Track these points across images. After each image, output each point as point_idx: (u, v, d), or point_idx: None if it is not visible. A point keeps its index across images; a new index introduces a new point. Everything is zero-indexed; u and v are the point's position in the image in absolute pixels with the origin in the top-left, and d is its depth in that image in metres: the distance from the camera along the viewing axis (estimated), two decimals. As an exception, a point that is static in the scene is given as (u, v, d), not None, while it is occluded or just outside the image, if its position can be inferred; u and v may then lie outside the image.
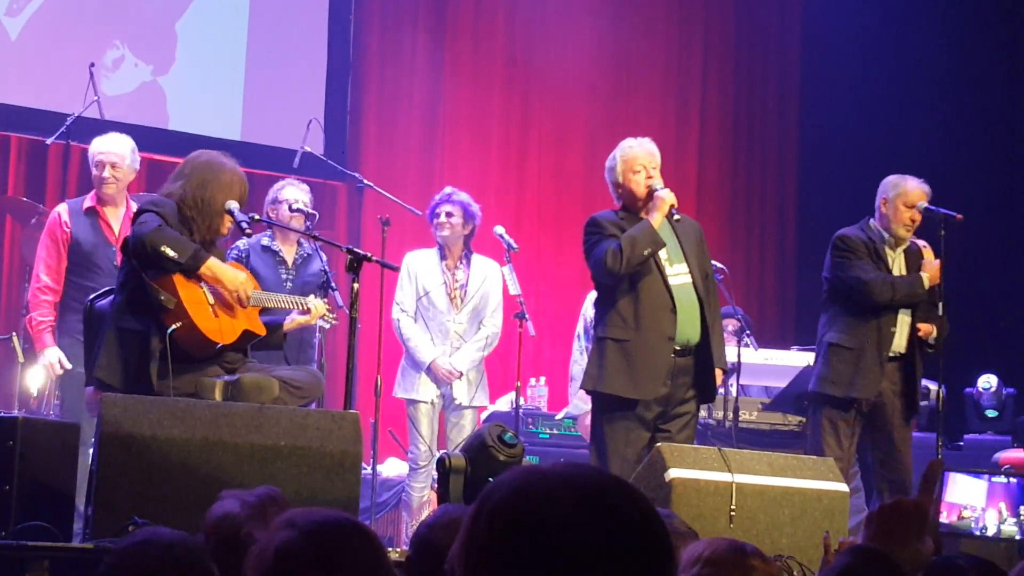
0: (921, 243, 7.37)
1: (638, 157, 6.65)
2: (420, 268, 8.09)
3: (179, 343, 5.66)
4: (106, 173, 7.37)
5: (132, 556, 2.60)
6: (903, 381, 7.21)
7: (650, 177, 6.62)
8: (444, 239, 8.04)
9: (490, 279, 8.11)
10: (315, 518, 2.21)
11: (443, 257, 8.09)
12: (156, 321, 5.64)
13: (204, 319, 5.72)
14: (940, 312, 7.32)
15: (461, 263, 8.11)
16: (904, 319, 7.23)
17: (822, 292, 7.46)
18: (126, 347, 5.71)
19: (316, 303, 6.30)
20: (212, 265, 5.76)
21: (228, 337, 5.80)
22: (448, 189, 8.18)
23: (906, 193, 7.29)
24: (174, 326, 5.61)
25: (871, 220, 7.37)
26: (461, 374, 7.99)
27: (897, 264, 7.33)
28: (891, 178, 7.40)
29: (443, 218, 8.02)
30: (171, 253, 5.62)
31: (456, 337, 8.06)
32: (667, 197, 6.54)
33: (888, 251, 7.31)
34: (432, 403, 8.03)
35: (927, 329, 7.25)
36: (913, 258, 7.36)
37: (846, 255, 7.25)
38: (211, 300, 5.79)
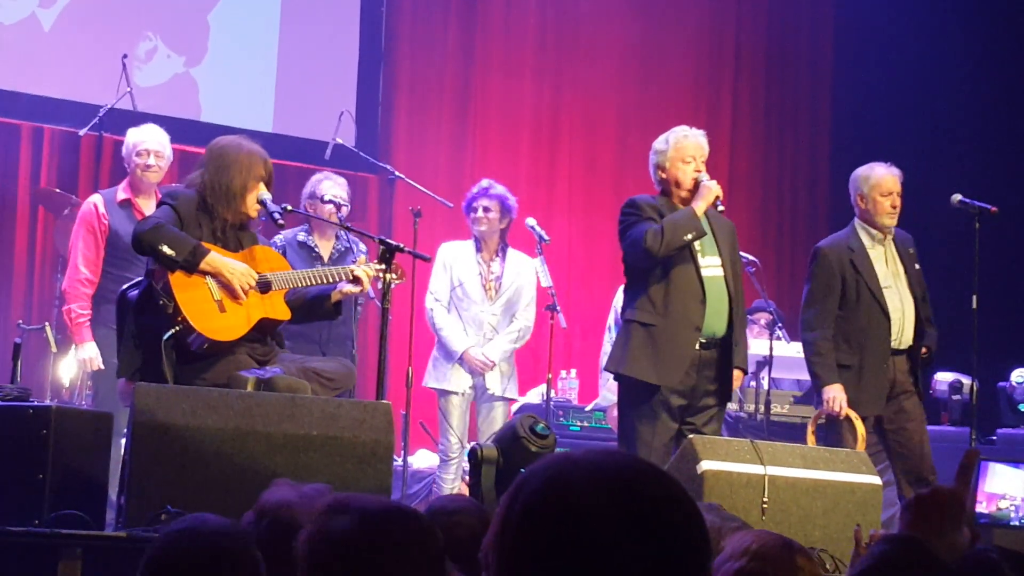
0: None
1: (691, 147, 6.61)
2: (455, 259, 8.10)
3: (189, 345, 5.65)
4: (151, 161, 7.43)
5: (178, 543, 2.60)
6: (911, 372, 7.18)
7: (698, 170, 6.59)
8: (481, 233, 8.05)
9: (524, 273, 8.12)
10: (369, 504, 2.17)
11: (479, 249, 8.10)
12: (164, 320, 5.65)
13: (205, 319, 5.65)
14: (974, 305, 7.29)
15: (497, 256, 8.12)
16: (908, 315, 7.17)
17: None
18: (144, 344, 5.72)
19: (363, 270, 6.04)
20: (211, 260, 5.68)
21: (237, 331, 5.74)
22: (485, 182, 8.17)
23: (879, 184, 7.19)
24: (171, 331, 5.59)
25: (855, 221, 7.29)
26: (494, 364, 8.00)
27: (891, 258, 7.24)
28: (859, 172, 7.30)
29: (480, 213, 8.03)
30: (168, 251, 5.59)
31: (490, 328, 8.07)
32: (714, 188, 6.50)
33: (876, 247, 7.23)
34: (464, 394, 8.04)
35: (924, 351, 7.26)
36: (904, 248, 7.29)
37: (813, 278, 7.23)
38: (217, 296, 5.71)
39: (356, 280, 6.03)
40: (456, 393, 8.03)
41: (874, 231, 7.21)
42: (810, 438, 7.27)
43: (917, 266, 7.31)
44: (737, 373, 6.61)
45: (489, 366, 8.00)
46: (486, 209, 8.03)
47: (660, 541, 1.62)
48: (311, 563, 2.11)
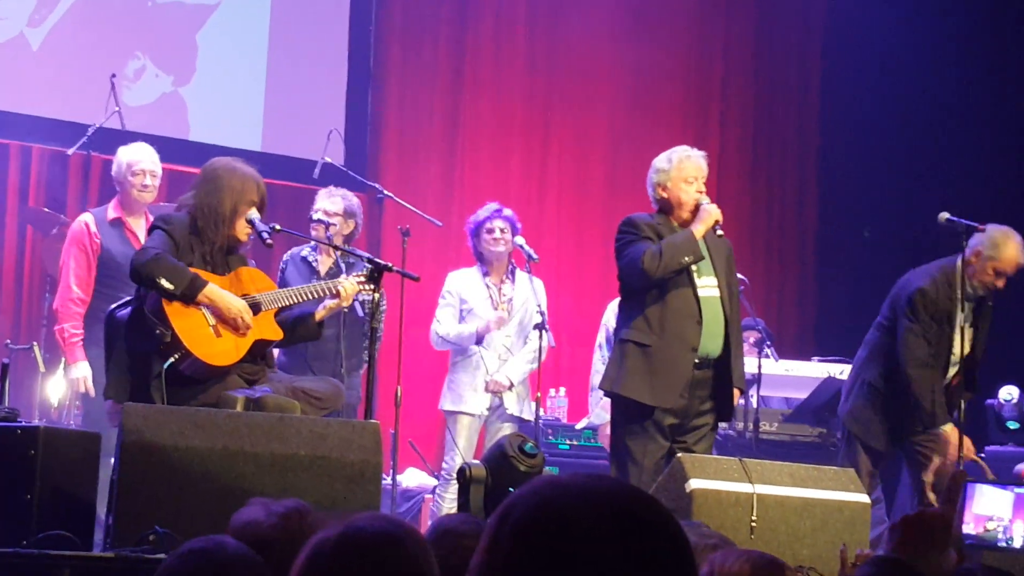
0: None
1: (693, 168, 6.59)
2: (463, 287, 8.12)
3: (183, 371, 5.65)
4: (148, 181, 7.43)
5: (192, 563, 2.58)
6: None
7: (700, 191, 6.58)
8: (498, 255, 8.08)
9: (534, 294, 8.13)
10: (360, 523, 2.14)
11: (486, 273, 8.12)
12: (157, 346, 5.64)
13: (204, 346, 5.67)
14: (961, 323, 7.30)
15: (507, 278, 8.14)
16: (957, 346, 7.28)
17: (877, 328, 7.51)
18: (134, 366, 5.72)
19: (346, 284, 6.09)
20: (209, 292, 5.71)
21: (234, 356, 5.76)
22: (494, 205, 8.18)
23: (1001, 260, 7.17)
24: (171, 359, 5.60)
25: (958, 262, 7.22)
26: (504, 320, 8.02)
27: (967, 317, 7.31)
28: (995, 234, 7.21)
29: (498, 233, 8.05)
30: (167, 284, 5.60)
31: (504, 350, 8.08)
32: (714, 212, 6.49)
33: (963, 304, 7.29)
34: (479, 416, 8.06)
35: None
36: (980, 309, 7.36)
37: (921, 318, 7.21)
38: (211, 321, 5.73)
39: (336, 294, 6.05)
40: (471, 415, 8.04)
41: (968, 289, 7.23)
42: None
43: (986, 325, 7.42)
44: (735, 392, 6.62)
45: (501, 321, 8.02)
46: (502, 230, 8.06)
47: (649, 569, 1.62)
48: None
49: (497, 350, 8.11)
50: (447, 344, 8.17)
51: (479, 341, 8.05)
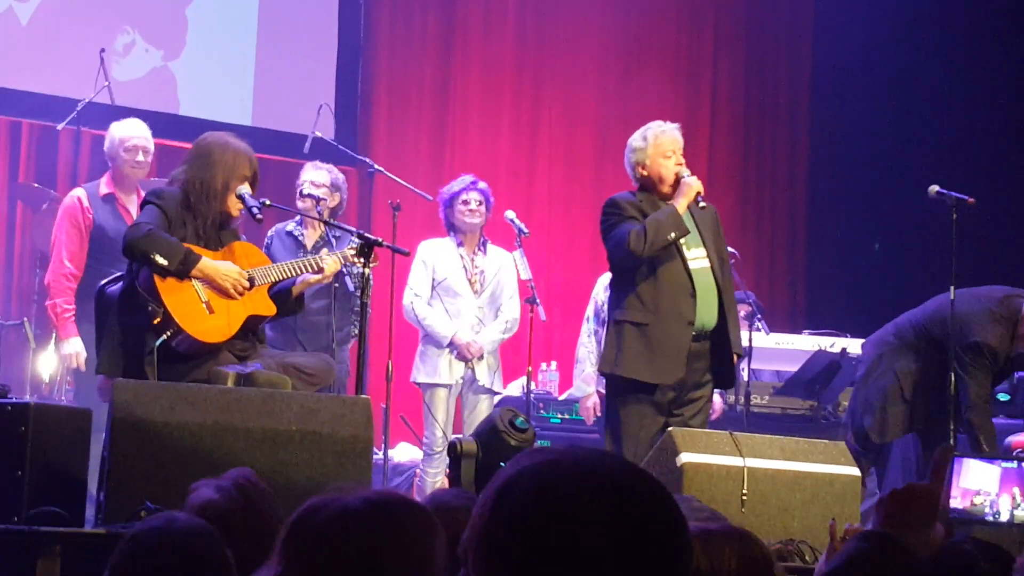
0: None
1: (669, 142, 6.58)
2: (436, 256, 8.11)
3: (176, 347, 5.65)
4: (140, 157, 7.42)
5: (146, 544, 2.57)
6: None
7: (679, 163, 6.57)
8: (472, 226, 8.06)
9: (505, 267, 8.14)
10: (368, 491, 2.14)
11: (460, 244, 8.11)
12: (149, 323, 5.64)
13: (196, 322, 5.66)
14: (951, 296, 7.32)
15: (479, 250, 8.14)
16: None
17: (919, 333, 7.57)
18: (126, 342, 5.71)
19: (329, 260, 6.11)
20: (203, 266, 5.70)
21: (226, 332, 5.75)
22: (469, 177, 8.19)
23: None
24: (164, 336, 5.60)
25: (1022, 311, 7.30)
26: (481, 349, 8.00)
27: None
28: None
29: (474, 205, 8.04)
30: (161, 260, 5.59)
31: (476, 322, 8.08)
32: (694, 184, 6.47)
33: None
34: (451, 387, 8.04)
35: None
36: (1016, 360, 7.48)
37: (985, 363, 7.30)
38: (204, 297, 5.71)
39: (319, 269, 6.05)
40: (444, 386, 8.03)
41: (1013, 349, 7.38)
42: None
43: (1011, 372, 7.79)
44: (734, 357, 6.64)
45: (478, 349, 8.00)
46: (478, 202, 8.05)
47: (649, 550, 1.62)
48: (322, 541, 2.06)
49: (469, 321, 8.09)
50: (418, 324, 8.15)
51: (449, 346, 8.04)
